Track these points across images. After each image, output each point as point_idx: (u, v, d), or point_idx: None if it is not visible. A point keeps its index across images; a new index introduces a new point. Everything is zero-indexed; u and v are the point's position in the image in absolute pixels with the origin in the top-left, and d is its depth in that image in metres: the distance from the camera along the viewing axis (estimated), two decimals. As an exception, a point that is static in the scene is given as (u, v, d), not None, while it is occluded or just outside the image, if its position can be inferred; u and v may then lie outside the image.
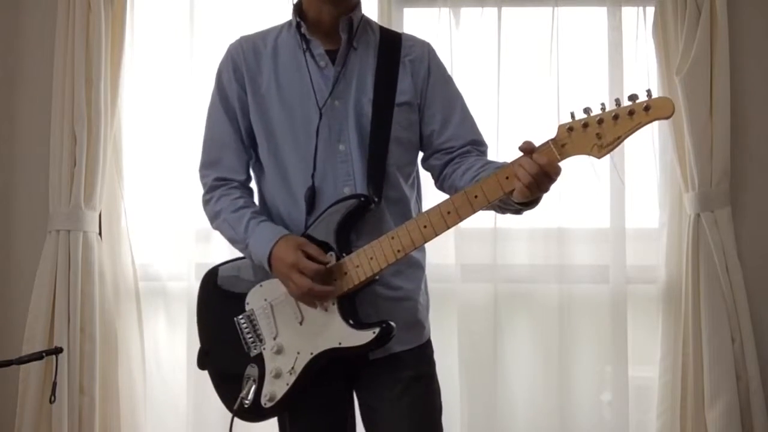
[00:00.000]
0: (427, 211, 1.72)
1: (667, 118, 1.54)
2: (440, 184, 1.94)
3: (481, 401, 2.94)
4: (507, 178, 1.63)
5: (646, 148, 2.97)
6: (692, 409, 2.84)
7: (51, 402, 2.15)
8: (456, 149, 1.90)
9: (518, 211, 1.74)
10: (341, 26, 1.86)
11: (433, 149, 1.92)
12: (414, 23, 3.11)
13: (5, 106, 3.11)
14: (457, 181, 1.84)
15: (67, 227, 2.93)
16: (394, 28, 2.95)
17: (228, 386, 1.87)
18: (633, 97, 1.55)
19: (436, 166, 1.93)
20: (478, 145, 1.92)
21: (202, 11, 3.09)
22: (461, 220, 1.69)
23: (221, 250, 2.74)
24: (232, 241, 1.89)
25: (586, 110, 1.58)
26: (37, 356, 2.07)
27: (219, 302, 1.92)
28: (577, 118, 1.59)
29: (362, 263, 1.74)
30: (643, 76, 2.98)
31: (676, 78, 2.88)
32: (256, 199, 1.97)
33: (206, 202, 1.94)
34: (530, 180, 1.58)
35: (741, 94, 2.94)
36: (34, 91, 3.08)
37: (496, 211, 1.79)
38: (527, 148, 1.60)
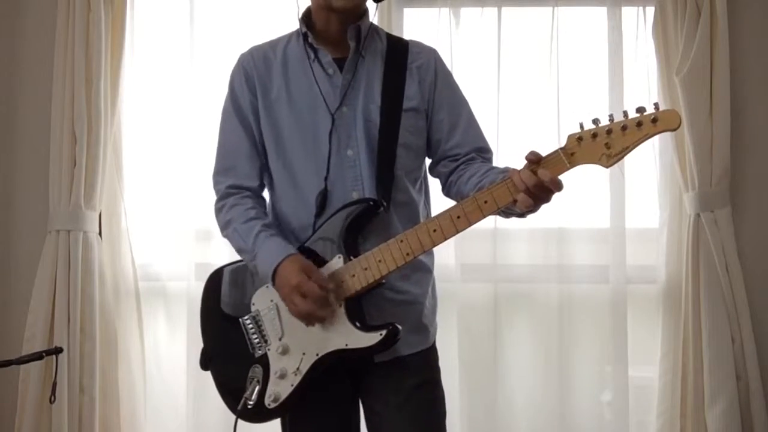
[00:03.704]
0: (437, 216, 1.72)
1: (674, 130, 1.56)
2: (447, 191, 1.97)
3: (481, 401, 2.94)
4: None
5: (646, 148, 2.95)
6: (692, 409, 2.84)
7: (51, 402, 2.15)
8: (462, 156, 1.92)
9: (522, 215, 1.75)
10: (349, 34, 1.87)
11: (439, 156, 1.95)
12: (414, 23, 3.10)
13: (5, 106, 3.10)
14: (462, 187, 1.86)
15: (67, 227, 2.93)
16: (395, 28, 2.97)
17: (231, 387, 1.87)
18: (641, 110, 1.56)
19: (443, 174, 1.95)
20: (483, 152, 1.94)
21: (202, 12, 3.09)
22: (470, 225, 1.69)
23: (221, 250, 2.74)
24: (240, 252, 1.89)
25: (595, 121, 1.59)
26: (37, 356, 2.06)
27: (223, 304, 1.92)
28: (585, 128, 1.60)
29: (370, 265, 1.74)
30: (643, 76, 2.98)
31: (676, 78, 2.88)
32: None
33: (218, 210, 1.95)
34: (526, 190, 1.60)
35: (741, 94, 2.94)
36: (34, 92, 3.08)
37: (502, 216, 1.80)
38: (532, 159, 1.61)
